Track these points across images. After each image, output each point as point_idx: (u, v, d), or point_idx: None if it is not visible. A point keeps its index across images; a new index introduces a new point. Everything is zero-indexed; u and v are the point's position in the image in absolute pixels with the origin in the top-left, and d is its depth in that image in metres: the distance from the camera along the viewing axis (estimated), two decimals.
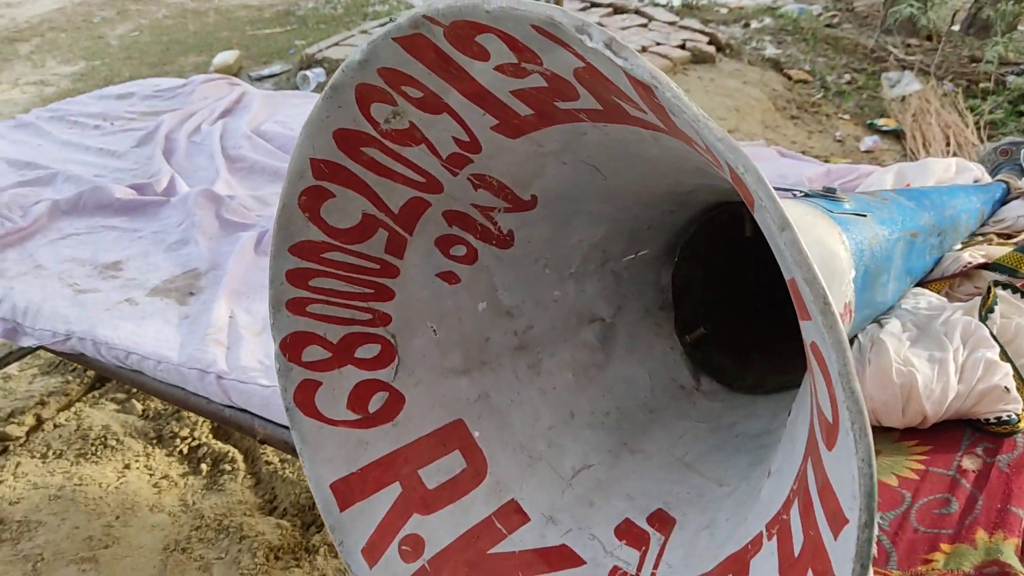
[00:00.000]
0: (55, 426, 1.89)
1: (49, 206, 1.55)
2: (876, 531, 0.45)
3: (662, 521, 0.78)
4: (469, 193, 0.77)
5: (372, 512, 0.81)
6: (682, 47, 3.95)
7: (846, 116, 3.90)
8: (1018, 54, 4.56)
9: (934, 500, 0.77)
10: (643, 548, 0.76)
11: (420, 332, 0.84)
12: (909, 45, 4.67)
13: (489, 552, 0.79)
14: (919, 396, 0.82)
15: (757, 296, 0.99)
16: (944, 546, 0.71)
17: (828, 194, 0.90)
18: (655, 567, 0.74)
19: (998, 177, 1.24)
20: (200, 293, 1.27)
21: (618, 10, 4.34)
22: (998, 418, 0.82)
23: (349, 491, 0.81)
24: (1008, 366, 0.83)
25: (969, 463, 0.80)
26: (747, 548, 0.64)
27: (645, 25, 4.18)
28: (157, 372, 1.11)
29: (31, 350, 1.68)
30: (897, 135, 3.76)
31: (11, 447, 1.85)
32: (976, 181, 1.24)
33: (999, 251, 1.05)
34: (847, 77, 4.27)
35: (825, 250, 0.75)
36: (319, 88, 3.83)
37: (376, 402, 0.83)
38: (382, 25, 4.11)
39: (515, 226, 0.82)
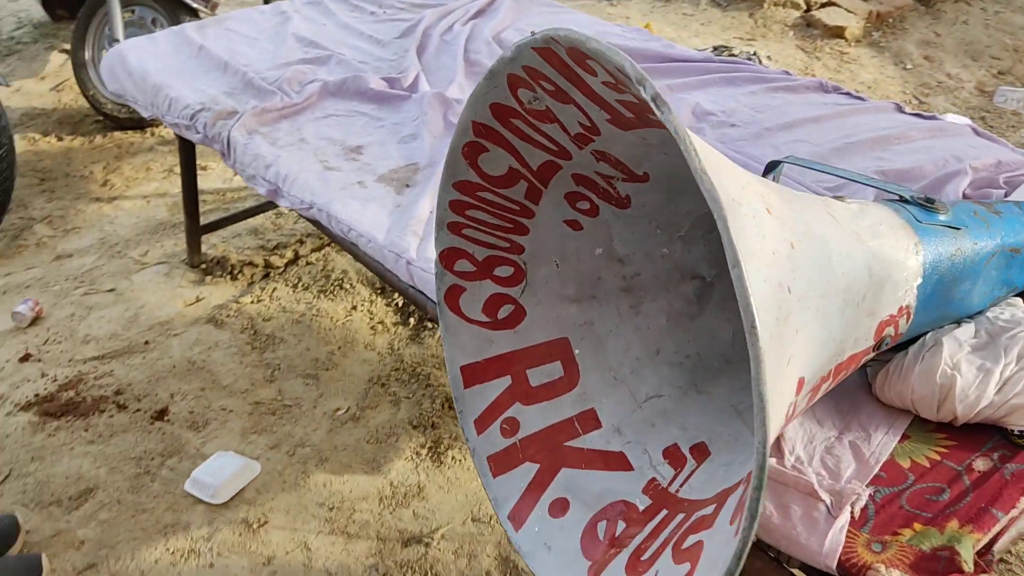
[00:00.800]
0: (307, 263, 2.31)
1: (320, 87, 1.87)
2: (763, 496, 0.63)
3: (700, 452, 0.96)
4: (592, 163, 0.96)
5: (486, 394, 1.06)
6: None
7: None
8: None
9: (931, 487, 0.89)
10: (679, 469, 0.95)
11: (545, 263, 1.05)
12: None
13: (564, 444, 1.02)
14: (954, 398, 0.93)
15: None
16: (916, 525, 0.85)
17: (926, 204, 0.99)
18: (681, 485, 0.93)
19: None
20: (414, 186, 1.54)
21: None
22: (1023, 431, 0.91)
23: (473, 374, 1.06)
24: None
25: (980, 464, 0.91)
26: (735, 486, 0.82)
27: None
28: (367, 248, 1.41)
29: None
30: None
31: (271, 274, 2.29)
32: None
33: None
34: None
35: (876, 261, 0.87)
36: None
37: (504, 311, 1.06)
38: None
39: (632, 192, 1.00)
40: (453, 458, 1.69)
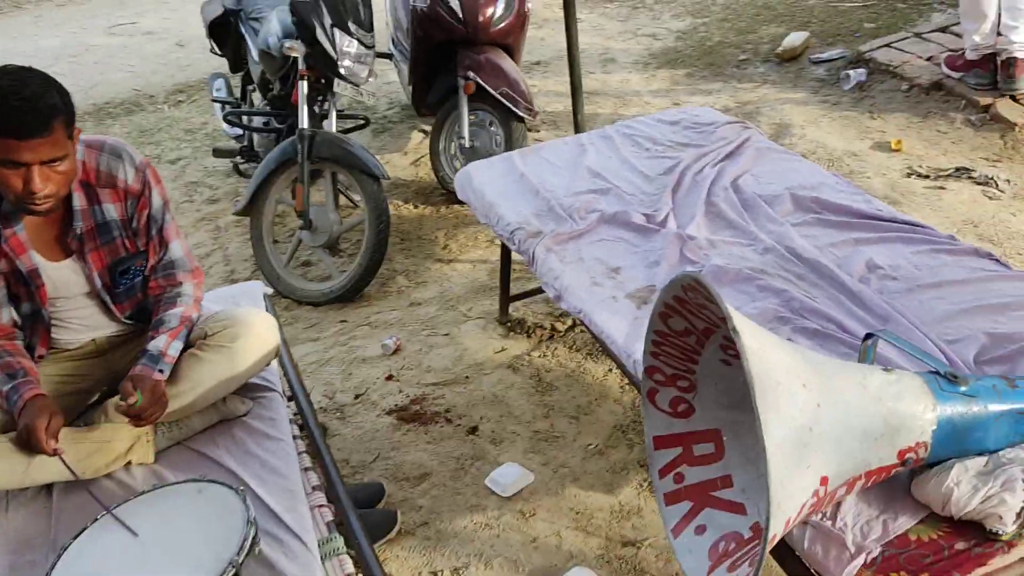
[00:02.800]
0: (581, 331, 3.10)
1: (598, 216, 2.64)
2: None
3: None
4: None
5: (667, 456, 1.75)
6: None
7: None
8: None
9: (922, 553, 1.46)
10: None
11: (710, 383, 1.73)
12: None
13: (709, 493, 1.69)
14: (951, 504, 1.48)
15: None
16: (903, 573, 1.43)
17: (952, 378, 1.54)
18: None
19: None
20: (649, 304, 2.25)
21: None
22: (992, 531, 1.45)
23: (660, 442, 1.76)
24: (1013, 506, 1.44)
25: (960, 545, 1.46)
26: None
27: None
28: (611, 346, 2.14)
29: None
30: None
31: (555, 336, 3.11)
32: None
33: None
34: None
35: (889, 412, 1.45)
36: (857, 88, 4.41)
37: (682, 407, 1.75)
38: (942, 29, 4.46)
39: None
40: None
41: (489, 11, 4.03)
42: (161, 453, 2.11)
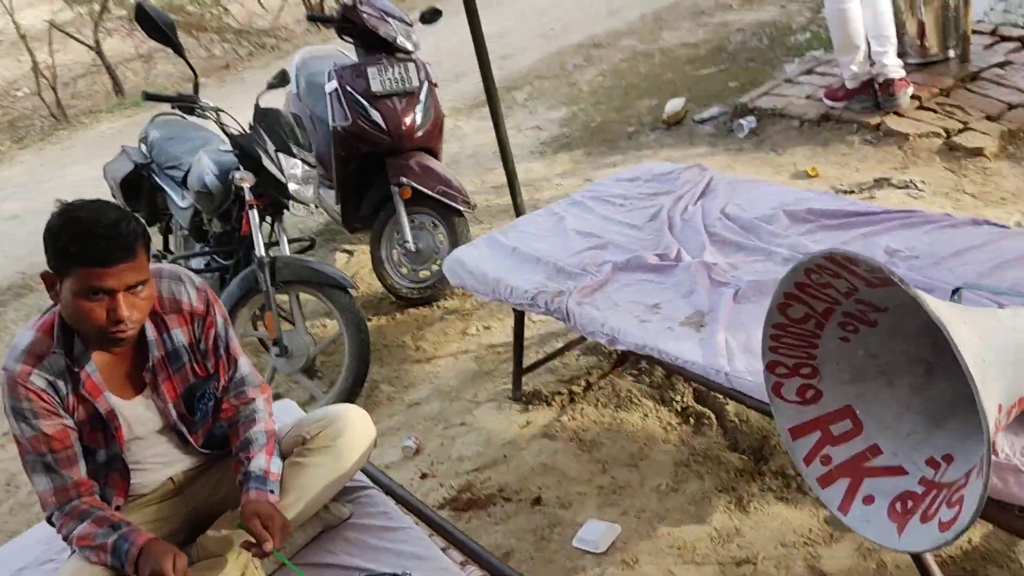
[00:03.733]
0: (599, 388, 3.15)
1: (611, 266, 2.74)
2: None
3: (947, 459, 1.68)
4: (854, 305, 1.74)
5: (807, 443, 1.82)
6: None
7: None
8: None
9: None
10: (937, 469, 1.68)
11: (830, 363, 1.82)
12: None
13: (863, 465, 1.76)
14: None
15: None
16: None
17: None
18: (940, 477, 1.65)
19: None
20: (707, 326, 2.35)
21: None
22: None
23: (796, 432, 1.83)
24: None
25: None
26: (972, 469, 1.54)
27: None
28: (693, 368, 2.21)
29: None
30: None
31: (575, 399, 3.14)
32: None
33: None
34: None
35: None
36: (752, 133, 4.80)
37: (810, 394, 1.83)
38: (807, 72, 4.94)
39: (878, 318, 1.77)
40: (755, 508, 2.43)
41: (410, 119, 4.15)
42: (281, 573, 1.99)
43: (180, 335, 2.01)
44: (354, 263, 4.90)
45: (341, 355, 3.84)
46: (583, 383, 3.20)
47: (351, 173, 4.33)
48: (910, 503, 1.66)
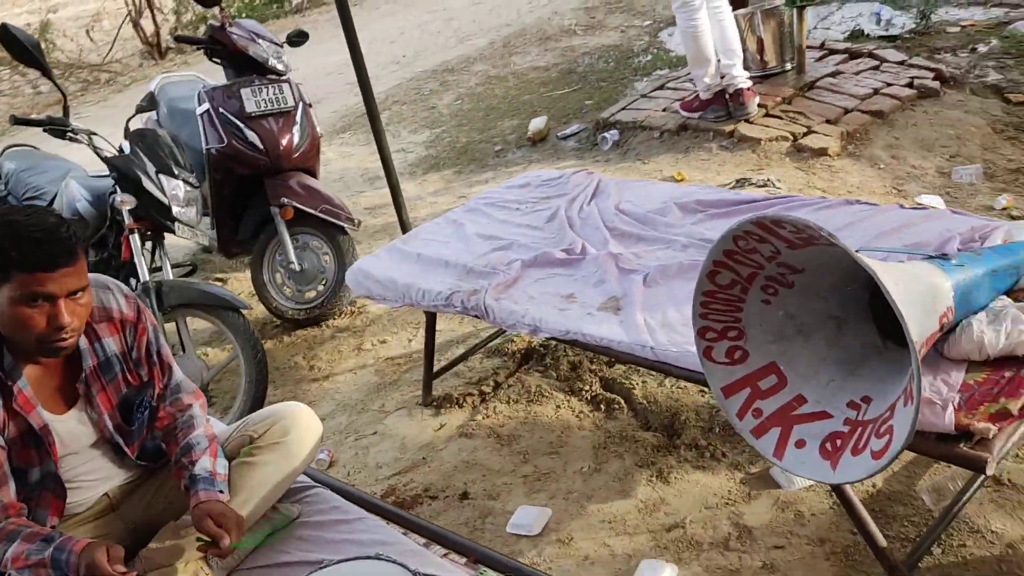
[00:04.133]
0: (508, 386, 3.24)
1: (520, 263, 2.85)
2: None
3: (866, 400, 1.88)
4: (776, 269, 1.92)
5: (738, 400, 1.97)
6: (910, 85, 4.80)
7: None
8: None
9: (987, 388, 1.81)
10: (857, 410, 1.86)
11: (754, 326, 1.99)
12: None
13: (790, 414, 1.93)
14: (984, 347, 1.86)
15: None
16: (984, 405, 1.76)
17: (943, 257, 1.95)
18: (863, 415, 1.84)
19: None
20: (624, 309, 2.49)
21: (853, 55, 5.23)
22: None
23: (727, 390, 1.98)
24: None
25: (1008, 373, 1.83)
26: (895, 402, 1.73)
27: (877, 67, 5.05)
28: (618, 347, 2.34)
29: (493, 338, 3.03)
30: None
31: (487, 399, 3.21)
32: None
33: None
34: None
35: (932, 290, 1.81)
36: (615, 145, 5.05)
37: (738, 355, 1.99)
38: (660, 87, 5.26)
39: (796, 280, 1.95)
40: (675, 478, 2.58)
41: (287, 139, 4.12)
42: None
43: (112, 344, 1.95)
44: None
45: (232, 380, 3.76)
46: (492, 384, 3.27)
47: (227, 197, 4.24)
48: (838, 442, 1.84)
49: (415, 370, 3.54)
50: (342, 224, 4.12)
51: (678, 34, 4.64)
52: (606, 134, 5.08)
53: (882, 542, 2.00)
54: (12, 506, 1.82)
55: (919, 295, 1.78)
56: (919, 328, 1.74)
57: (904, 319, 1.57)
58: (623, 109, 5.28)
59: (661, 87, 5.45)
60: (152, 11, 10.25)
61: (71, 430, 1.90)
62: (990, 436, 1.72)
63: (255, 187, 4.17)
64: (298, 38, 4.54)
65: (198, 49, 4.41)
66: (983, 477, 2.20)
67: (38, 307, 1.70)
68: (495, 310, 2.64)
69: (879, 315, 2.02)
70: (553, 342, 3.37)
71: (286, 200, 4.05)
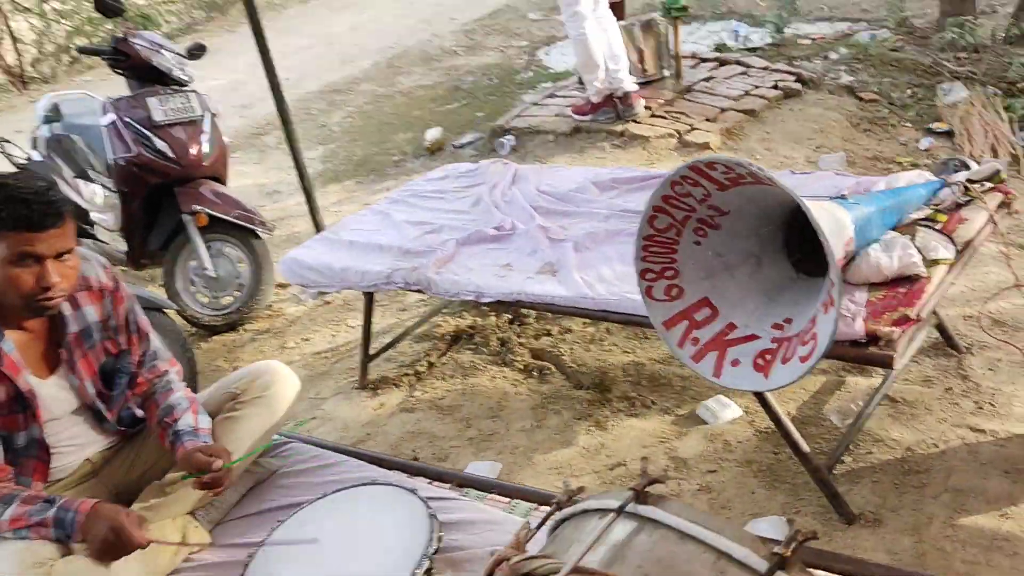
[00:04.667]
0: (442, 365, 3.40)
1: (455, 242, 3.04)
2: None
3: (788, 321, 2.16)
4: (706, 211, 2.19)
5: (678, 331, 2.22)
6: (775, 87, 5.28)
7: (908, 124, 5.15)
8: None
9: (886, 301, 2.13)
10: (781, 328, 2.14)
11: (687, 265, 2.25)
12: (959, 58, 5.84)
13: (724, 339, 2.19)
14: (882, 270, 2.18)
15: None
16: (887, 314, 2.08)
17: (842, 198, 2.27)
18: (786, 332, 2.12)
19: (939, 177, 2.57)
20: (559, 271, 2.71)
21: (722, 63, 5.70)
22: (915, 274, 2.18)
23: (667, 324, 2.23)
24: (918, 253, 2.19)
25: (903, 289, 2.16)
26: (815, 315, 2.02)
27: (744, 72, 5.53)
28: (562, 302, 2.56)
29: (421, 324, 3.21)
30: (949, 135, 4.98)
31: (422, 377, 3.36)
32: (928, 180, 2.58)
33: (928, 212, 2.40)
34: (908, 92, 5.50)
35: (838, 222, 2.12)
36: (513, 149, 5.32)
37: (675, 292, 2.25)
38: (549, 96, 5.57)
39: (722, 221, 2.23)
40: (612, 425, 2.81)
41: (196, 147, 4.16)
42: (220, 528, 2.04)
43: (92, 312, 2.02)
44: None
45: None
46: (426, 364, 3.43)
47: (136, 208, 4.24)
48: (768, 356, 2.12)
49: (344, 360, 3.65)
50: (256, 228, 4.19)
51: (570, 40, 4.96)
52: (503, 139, 5.34)
53: (805, 448, 2.28)
54: (2, 470, 1.86)
55: (829, 224, 2.08)
56: (833, 249, 2.04)
57: (823, 234, 1.86)
58: (517, 116, 5.55)
59: (551, 96, 5.77)
60: (13, 41, 9.91)
61: (54, 395, 1.95)
62: (895, 338, 2.03)
63: (164, 196, 4.19)
64: (197, 51, 4.58)
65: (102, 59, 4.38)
66: (880, 395, 2.54)
67: (27, 267, 1.77)
68: (437, 282, 2.82)
69: (792, 252, 2.33)
70: (479, 321, 3.57)
71: (199, 207, 4.08)
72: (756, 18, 7.38)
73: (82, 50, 4.42)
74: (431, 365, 3.42)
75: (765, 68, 5.56)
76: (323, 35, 9.45)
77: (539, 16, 8.69)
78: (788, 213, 2.27)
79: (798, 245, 2.31)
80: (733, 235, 2.27)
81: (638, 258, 2.23)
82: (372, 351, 3.47)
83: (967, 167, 2.56)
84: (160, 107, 4.11)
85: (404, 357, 3.54)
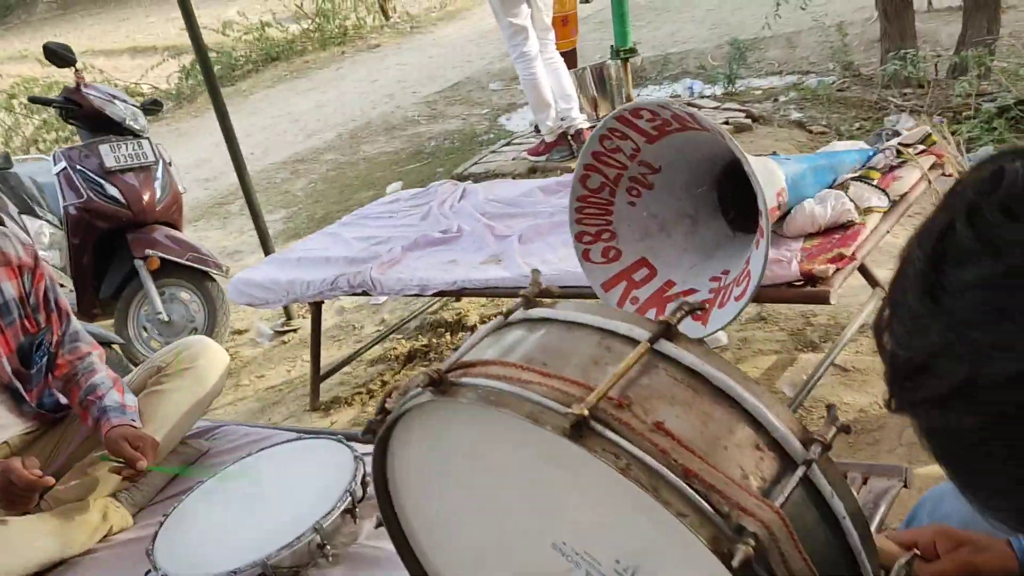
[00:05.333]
0: (396, 385, 3.32)
1: (402, 247, 3.02)
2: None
3: (724, 272, 2.14)
4: (638, 168, 2.18)
5: (616, 292, 2.19)
6: (726, 123, 5.38)
7: None
8: (993, 86, 5.84)
9: (821, 245, 2.11)
10: (718, 280, 2.12)
11: (623, 226, 2.23)
12: (905, 93, 6.00)
13: (664, 295, 2.16)
14: (816, 219, 2.18)
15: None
16: (820, 256, 2.06)
17: (775, 154, 2.28)
18: (724, 281, 2.09)
19: (873, 147, 2.60)
20: (503, 261, 2.69)
21: None
22: (848, 221, 2.17)
23: (606, 286, 2.20)
24: (851, 203, 2.18)
25: (837, 236, 2.15)
26: (748, 258, 2.00)
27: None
28: (503, 283, 2.52)
29: (376, 344, 3.15)
30: None
31: (375, 395, 3.28)
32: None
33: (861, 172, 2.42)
34: (856, 125, 5.62)
35: (770, 171, 2.12)
36: None
37: (612, 254, 2.22)
38: (507, 143, 5.65)
39: (654, 181, 2.22)
40: None
41: (149, 192, 4.17)
42: (144, 512, 1.96)
43: (10, 288, 1.97)
44: None
45: None
46: (379, 383, 3.35)
47: (87, 257, 4.20)
48: (707, 305, 2.08)
49: (298, 390, 3.57)
50: (210, 270, 4.15)
51: (520, 81, 5.05)
52: (464, 185, 5.37)
53: None
54: None
55: (761, 172, 2.08)
56: (764, 190, 2.03)
57: (748, 163, 1.86)
58: (475, 164, 5.62)
59: (507, 144, 5.85)
60: None
61: None
62: (830, 274, 2.01)
63: (117, 243, 4.16)
64: (153, 106, 4.63)
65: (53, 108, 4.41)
66: (829, 361, 2.50)
67: None
68: (382, 281, 2.78)
69: (727, 211, 2.32)
70: (435, 340, 3.52)
71: (151, 251, 4.06)
72: (709, 74, 7.58)
73: (33, 100, 4.45)
74: (384, 384, 3.34)
75: (716, 107, 5.68)
76: (288, 114, 9.60)
77: (499, 86, 8.87)
78: (720, 170, 2.27)
79: (732, 203, 2.30)
80: (667, 195, 2.27)
81: (573, 220, 2.22)
82: (325, 370, 3.40)
83: (899, 134, 2.59)
84: (112, 153, 4.12)
85: (358, 379, 3.47)
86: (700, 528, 0.76)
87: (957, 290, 0.51)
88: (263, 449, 1.84)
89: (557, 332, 0.96)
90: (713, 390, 0.86)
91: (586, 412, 0.79)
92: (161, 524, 1.71)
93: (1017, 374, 0.47)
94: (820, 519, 0.83)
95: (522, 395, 0.85)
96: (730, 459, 0.81)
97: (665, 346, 0.88)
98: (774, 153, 2.35)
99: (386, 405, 1.03)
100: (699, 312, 2.07)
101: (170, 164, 4.42)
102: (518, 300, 1.03)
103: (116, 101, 4.31)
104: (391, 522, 1.14)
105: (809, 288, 2.02)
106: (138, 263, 4.06)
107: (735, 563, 0.73)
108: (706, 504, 0.76)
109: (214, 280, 4.20)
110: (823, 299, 2.00)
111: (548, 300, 1.04)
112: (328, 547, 1.57)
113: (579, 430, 0.79)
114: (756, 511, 0.76)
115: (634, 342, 0.89)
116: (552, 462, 0.90)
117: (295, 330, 4.26)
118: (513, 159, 5.45)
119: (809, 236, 2.23)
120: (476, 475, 1.01)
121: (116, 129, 4.23)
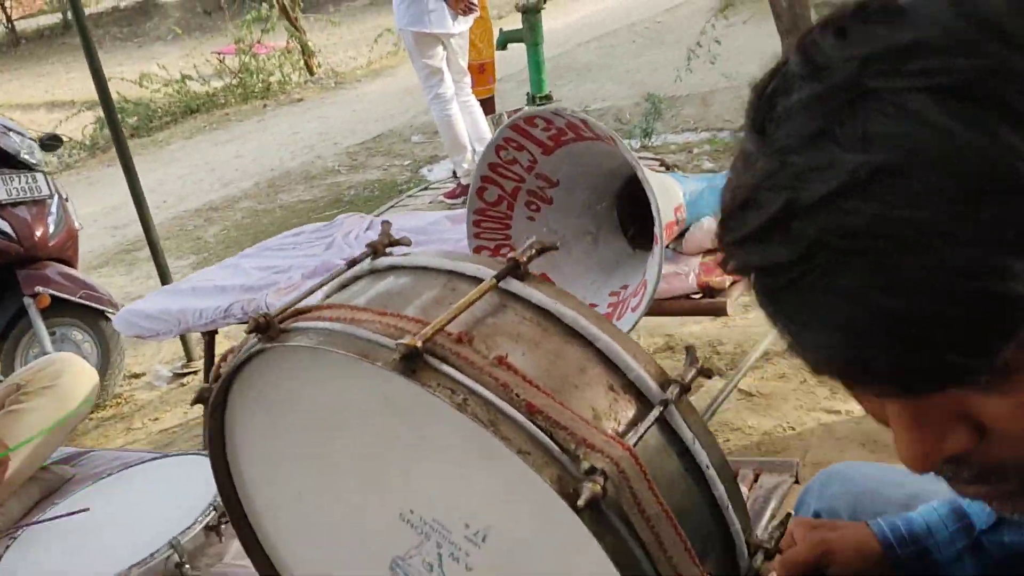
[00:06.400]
0: None
1: (302, 274, 2.91)
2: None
3: (624, 288, 2.09)
4: (535, 181, 2.14)
5: None
6: None
7: None
8: None
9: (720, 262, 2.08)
10: (617, 295, 2.07)
11: (521, 239, 2.17)
12: None
13: None
14: (714, 235, 2.15)
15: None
16: (717, 271, 2.03)
17: (674, 174, 2.26)
18: (622, 296, 2.04)
19: None
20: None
21: None
22: None
23: None
24: None
25: None
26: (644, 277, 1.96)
27: None
28: None
29: None
30: None
31: None
32: None
33: None
34: None
35: (668, 187, 2.10)
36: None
37: None
38: (424, 188, 5.62)
39: (553, 195, 2.18)
40: None
41: (42, 228, 4.00)
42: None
43: None
44: None
45: None
46: None
47: None
48: (613, 309, 2.03)
49: (194, 430, 3.40)
50: (105, 308, 3.97)
51: (435, 121, 5.04)
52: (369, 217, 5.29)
53: None
54: None
55: (659, 187, 2.06)
56: (660, 203, 2.00)
57: (641, 171, 1.83)
58: (391, 208, 5.55)
59: (425, 188, 5.81)
60: None
61: None
62: (726, 286, 1.98)
63: (5, 280, 3.96)
64: (51, 141, 4.47)
65: None
66: (733, 384, 2.46)
67: None
68: (277, 307, 2.66)
69: (627, 229, 2.29)
70: None
71: (41, 288, 3.86)
72: (627, 128, 7.71)
73: None
74: None
75: None
76: (205, 163, 9.41)
77: (422, 139, 8.87)
78: (620, 187, 2.24)
79: (632, 221, 2.27)
80: (568, 211, 2.23)
81: (471, 235, 2.15)
82: None
83: None
84: (3, 186, 3.94)
85: None
86: (544, 468, 0.68)
87: (781, 118, 0.46)
88: (126, 468, 1.70)
89: (403, 278, 0.89)
90: (565, 329, 0.79)
91: (419, 343, 0.71)
92: (7, 548, 1.55)
93: (829, 193, 0.42)
94: (682, 469, 0.76)
95: (354, 332, 0.77)
96: (580, 398, 0.74)
97: (513, 284, 0.82)
98: (675, 170, 2.33)
99: (220, 371, 0.93)
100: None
101: (66, 200, 4.25)
102: (364, 250, 0.94)
103: (11, 133, 4.14)
104: (233, 507, 1.03)
105: (707, 300, 1.98)
106: (27, 300, 3.85)
107: (581, 502, 0.65)
108: (550, 441, 0.69)
109: (109, 320, 4.00)
110: (720, 310, 1.96)
111: (399, 249, 0.95)
112: (188, 566, 1.44)
113: (411, 362, 0.71)
114: (605, 447, 0.69)
115: (480, 281, 0.81)
116: (393, 414, 0.81)
117: (195, 372, 4.08)
118: (430, 202, 5.40)
119: (708, 252, 2.20)
120: (315, 441, 0.92)
121: (10, 162, 4.05)
